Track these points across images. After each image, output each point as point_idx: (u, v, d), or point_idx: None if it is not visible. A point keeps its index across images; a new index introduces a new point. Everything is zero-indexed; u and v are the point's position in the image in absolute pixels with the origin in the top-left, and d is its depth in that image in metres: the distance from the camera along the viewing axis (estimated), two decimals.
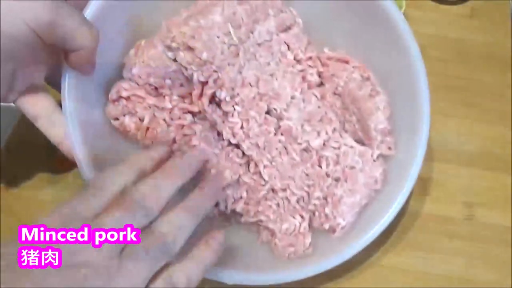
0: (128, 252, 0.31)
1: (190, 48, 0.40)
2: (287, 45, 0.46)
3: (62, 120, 0.39)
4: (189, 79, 0.42)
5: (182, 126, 0.43)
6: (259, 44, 0.44)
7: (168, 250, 0.32)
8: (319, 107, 0.46)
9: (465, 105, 0.57)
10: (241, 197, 0.43)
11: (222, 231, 0.36)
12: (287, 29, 0.46)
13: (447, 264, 0.47)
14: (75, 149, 0.39)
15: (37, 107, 0.39)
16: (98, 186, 0.33)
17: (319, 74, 0.47)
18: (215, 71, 0.41)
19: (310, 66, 0.47)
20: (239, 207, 0.43)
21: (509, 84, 0.58)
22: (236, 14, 0.42)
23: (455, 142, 0.54)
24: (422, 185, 0.51)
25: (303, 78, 0.46)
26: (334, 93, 0.46)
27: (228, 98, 0.42)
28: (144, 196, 0.32)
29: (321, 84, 0.48)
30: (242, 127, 0.43)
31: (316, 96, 0.46)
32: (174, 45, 0.40)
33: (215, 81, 0.41)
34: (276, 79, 0.45)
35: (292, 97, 0.45)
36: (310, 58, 0.47)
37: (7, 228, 0.48)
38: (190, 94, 0.43)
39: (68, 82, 0.39)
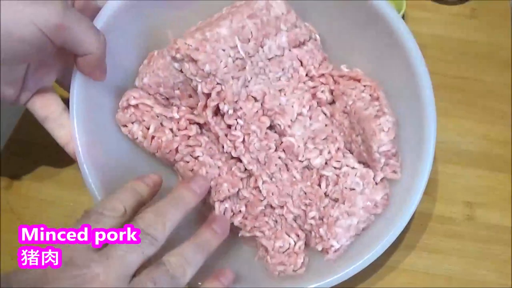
0: (136, 282, 0.31)
1: (194, 60, 0.40)
2: (300, 61, 0.45)
3: (69, 122, 0.40)
4: (195, 94, 0.43)
5: (188, 137, 0.43)
6: (269, 59, 0.44)
7: (177, 283, 0.32)
8: (326, 125, 0.45)
9: (465, 105, 0.57)
10: (240, 211, 0.43)
11: (232, 272, 0.37)
12: (300, 44, 0.45)
13: (447, 264, 0.47)
14: (77, 152, 0.40)
15: (46, 109, 0.40)
16: (100, 212, 0.33)
17: (331, 92, 0.46)
18: (218, 83, 0.41)
19: (322, 83, 0.46)
20: (237, 221, 0.43)
21: (509, 84, 0.58)
22: (245, 28, 0.41)
23: (455, 142, 0.54)
24: None
25: (314, 95, 0.46)
26: (344, 112, 0.45)
27: (230, 111, 0.42)
28: (149, 224, 0.33)
29: (332, 102, 0.47)
30: (243, 141, 0.43)
31: (325, 114, 0.45)
32: (178, 56, 0.41)
33: (218, 93, 0.41)
34: (285, 95, 0.44)
35: (299, 114, 0.44)
36: (322, 75, 0.46)
37: (7, 228, 0.48)
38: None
39: (77, 86, 0.40)
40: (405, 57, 0.42)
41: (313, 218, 0.42)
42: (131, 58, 0.45)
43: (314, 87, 0.46)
